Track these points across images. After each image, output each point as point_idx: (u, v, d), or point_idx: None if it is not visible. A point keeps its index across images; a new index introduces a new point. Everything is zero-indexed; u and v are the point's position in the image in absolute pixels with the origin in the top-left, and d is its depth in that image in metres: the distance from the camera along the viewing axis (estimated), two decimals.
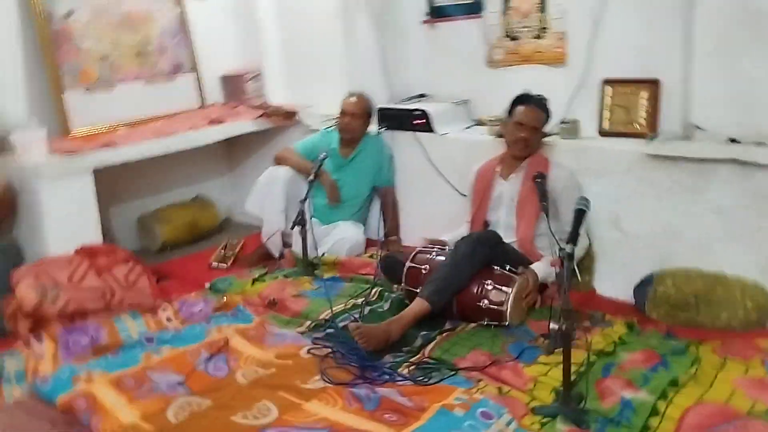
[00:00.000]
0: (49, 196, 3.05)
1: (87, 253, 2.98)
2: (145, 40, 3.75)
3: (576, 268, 2.04)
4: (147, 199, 3.96)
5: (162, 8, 3.83)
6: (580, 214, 2.15)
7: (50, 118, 3.34)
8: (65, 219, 3.09)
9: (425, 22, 3.63)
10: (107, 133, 3.47)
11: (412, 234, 3.46)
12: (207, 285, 3.13)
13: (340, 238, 3.37)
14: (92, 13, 3.54)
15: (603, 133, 2.93)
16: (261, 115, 3.86)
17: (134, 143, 3.33)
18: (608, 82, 2.92)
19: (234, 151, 4.31)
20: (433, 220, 3.33)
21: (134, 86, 3.70)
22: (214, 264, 3.47)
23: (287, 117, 3.93)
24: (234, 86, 4.22)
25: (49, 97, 3.39)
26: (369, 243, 3.48)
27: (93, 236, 3.17)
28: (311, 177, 3.19)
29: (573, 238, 2.07)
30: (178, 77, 3.91)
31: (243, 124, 3.84)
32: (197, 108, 3.97)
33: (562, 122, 2.97)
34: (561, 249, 2.03)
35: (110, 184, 3.50)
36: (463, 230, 2.95)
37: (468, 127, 3.42)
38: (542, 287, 2.71)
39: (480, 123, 3.39)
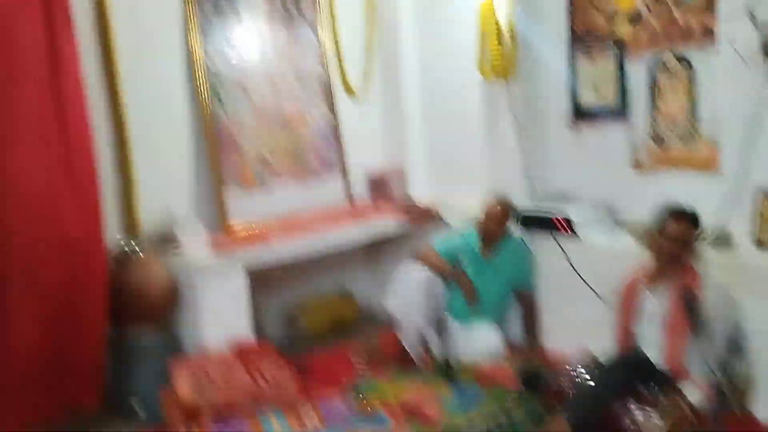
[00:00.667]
0: (206, 291, 3.29)
1: (238, 350, 3.18)
2: (299, 140, 4.02)
3: (731, 397, 1.92)
4: (292, 292, 4.16)
5: (316, 110, 4.11)
6: (736, 347, 2.03)
7: (210, 214, 3.65)
8: (220, 312, 3.32)
9: (571, 124, 3.64)
10: (261, 229, 3.70)
11: (553, 340, 3.39)
12: (348, 385, 3.22)
13: (478, 340, 3.36)
14: (254, 115, 3.84)
15: (760, 245, 2.77)
16: (404, 216, 4.00)
17: (286, 242, 3.56)
18: (765, 191, 2.77)
19: (376, 245, 4.45)
20: (574, 326, 3.25)
21: (287, 184, 3.95)
22: (355, 362, 3.56)
23: (428, 216, 4.04)
24: (379, 184, 4.39)
25: (211, 194, 3.69)
26: (508, 347, 3.43)
27: (244, 329, 3.39)
28: (449, 278, 3.21)
29: (728, 370, 1.95)
30: (328, 176, 4.14)
31: (387, 223, 4.01)
32: (345, 205, 4.17)
33: (713, 233, 2.83)
34: (715, 377, 1.91)
35: (261, 278, 3.72)
36: (608, 345, 2.85)
37: (611, 233, 3.33)
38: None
39: (625, 229, 3.29)
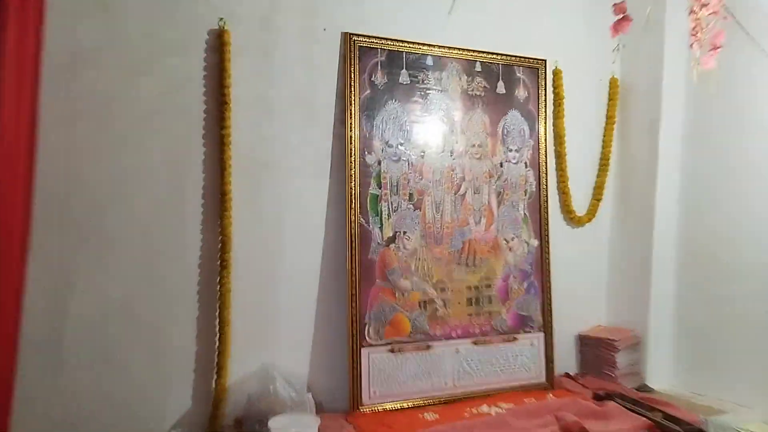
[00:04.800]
0: None
1: None
2: (485, 278, 2.72)
3: None
4: None
5: (515, 237, 2.80)
6: None
7: (334, 386, 2.44)
8: None
9: None
10: (412, 413, 2.42)
11: None
12: None
13: None
14: (422, 235, 2.62)
15: None
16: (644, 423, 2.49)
17: None
18: None
19: None
20: None
21: (456, 343, 2.64)
22: None
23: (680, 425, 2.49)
24: (596, 353, 2.94)
25: (337, 353, 2.44)
26: None
27: None
28: None
29: None
30: (520, 333, 2.78)
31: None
32: (540, 382, 2.76)
33: None
34: None
35: None
36: None
37: None
38: None
39: None
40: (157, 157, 2.16)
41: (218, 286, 2.21)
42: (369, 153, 2.50)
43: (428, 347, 2.57)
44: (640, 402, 2.55)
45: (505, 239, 2.78)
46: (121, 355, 2.11)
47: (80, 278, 2.05)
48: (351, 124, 2.47)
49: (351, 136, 2.46)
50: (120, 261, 2.11)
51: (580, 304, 3.03)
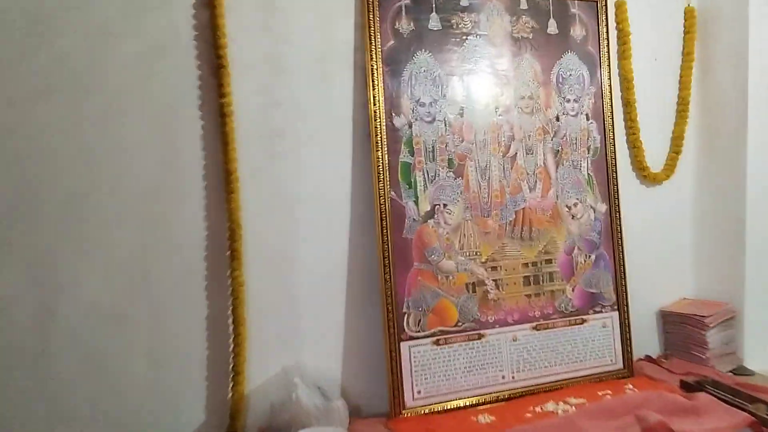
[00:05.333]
0: None
1: None
2: (546, 254, 2.33)
3: None
4: None
5: (578, 201, 2.39)
6: None
7: (372, 388, 2.11)
8: None
9: None
10: (463, 415, 2.08)
11: None
12: None
13: None
14: (465, 206, 2.24)
15: None
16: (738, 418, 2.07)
17: None
18: None
19: None
20: None
21: (514, 331, 2.28)
22: None
23: None
24: (682, 331, 2.51)
25: (376, 350, 2.11)
26: None
27: None
28: None
29: None
30: (589, 314, 2.38)
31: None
32: (616, 368, 2.37)
33: None
34: None
35: None
36: None
37: None
38: None
39: None
40: (145, 134, 1.86)
41: (229, 280, 1.91)
42: (397, 115, 2.13)
43: (480, 336, 2.21)
44: (739, 391, 2.12)
45: (567, 206, 2.37)
46: (117, 366, 1.84)
47: (63, 279, 1.78)
48: (374, 81, 2.10)
49: (374, 97, 2.10)
50: (109, 256, 1.83)
51: (661, 276, 2.61)
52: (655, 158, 2.58)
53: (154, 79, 1.87)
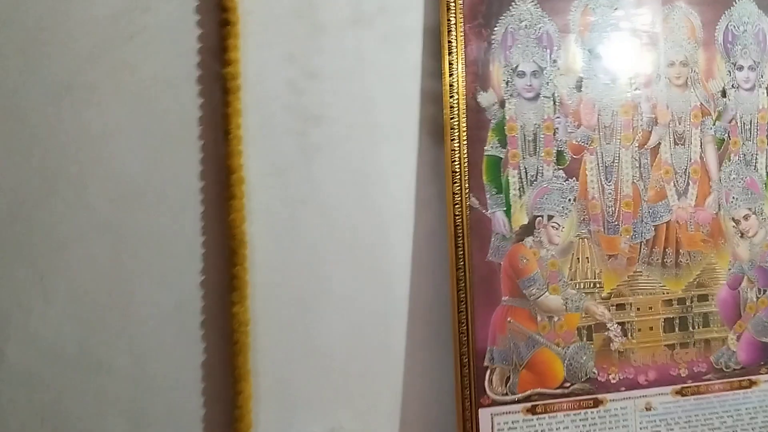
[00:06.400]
0: None
1: None
2: (699, 288, 1.63)
3: None
4: None
5: (756, 213, 1.66)
6: None
7: None
8: None
9: None
10: None
11: None
12: None
13: None
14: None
15: None
16: None
17: None
18: None
19: None
20: None
21: (649, 396, 1.61)
22: None
23: None
24: None
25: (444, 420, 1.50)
26: None
27: None
28: None
29: None
30: (763, 377, 1.67)
31: None
32: None
33: None
34: None
35: None
36: None
37: None
38: None
39: None
40: (121, 117, 1.37)
41: (228, 317, 1.40)
42: (483, 89, 1.51)
43: (597, 402, 1.57)
44: None
45: (734, 219, 1.66)
46: (87, 428, 1.38)
47: (12, 311, 1.35)
48: (450, 42, 1.50)
49: (451, 64, 1.49)
50: (73, 282, 1.36)
51: None
52: None
53: (134, 44, 1.37)
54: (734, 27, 1.67)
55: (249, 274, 1.42)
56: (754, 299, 1.67)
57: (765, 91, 1.68)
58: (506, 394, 1.52)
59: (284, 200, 1.47)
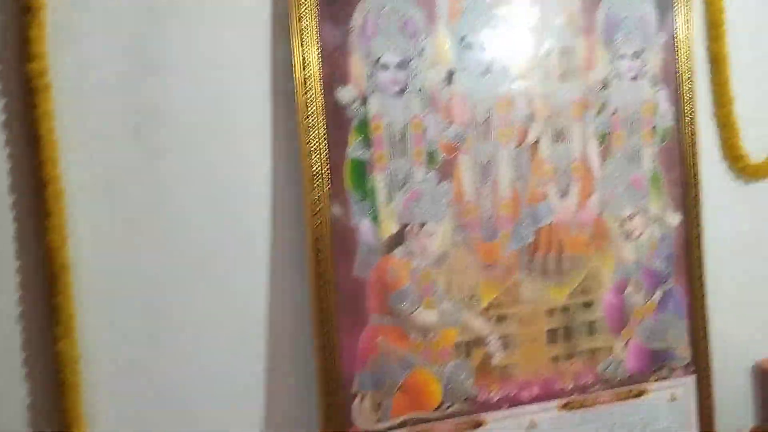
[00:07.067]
0: None
1: None
2: (583, 294, 1.53)
3: None
4: None
5: (640, 210, 1.57)
6: None
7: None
8: None
9: None
10: None
11: None
12: None
13: None
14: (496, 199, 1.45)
15: None
16: None
17: None
18: None
19: None
20: None
21: (533, 412, 1.50)
22: None
23: None
24: None
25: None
26: None
27: None
28: None
29: None
30: (652, 385, 1.59)
31: None
32: None
33: None
34: None
35: None
36: None
37: None
38: None
39: None
40: None
41: (53, 352, 1.20)
42: (343, 84, 1.35)
43: (477, 424, 1.45)
44: None
45: (618, 219, 1.56)
46: None
47: None
48: (302, 32, 1.32)
49: (304, 57, 1.32)
50: None
51: (763, 318, 1.78)
52: (756, 142, 1.73)
53: None
54: (615, 13, 1.56)
55: (74, 304, 1.22)
56: (641, 303, 1.58)
57: (648, 81, 1.59)
58: (379, 420, 1.38)
59: (115, 216, 1.27)
